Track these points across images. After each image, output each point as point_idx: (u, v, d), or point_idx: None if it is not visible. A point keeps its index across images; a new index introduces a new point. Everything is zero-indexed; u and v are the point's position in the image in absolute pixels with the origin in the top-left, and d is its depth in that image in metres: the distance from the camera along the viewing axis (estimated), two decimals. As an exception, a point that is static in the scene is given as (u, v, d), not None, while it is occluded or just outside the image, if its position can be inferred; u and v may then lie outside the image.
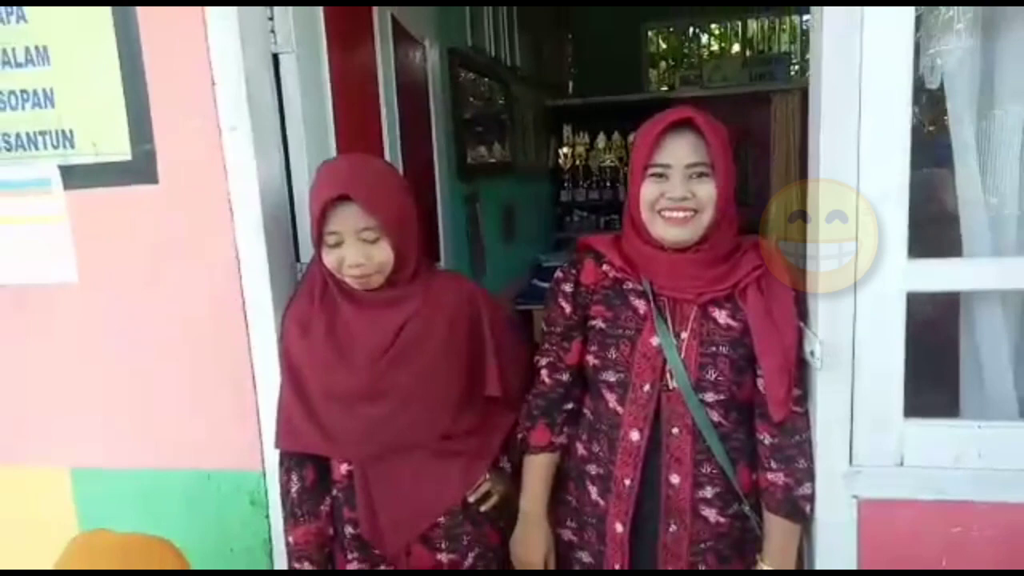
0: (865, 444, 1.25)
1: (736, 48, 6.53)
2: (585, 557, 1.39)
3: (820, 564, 1.27)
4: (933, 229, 1.38)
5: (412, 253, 1.37)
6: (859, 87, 1.18)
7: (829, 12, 1.18)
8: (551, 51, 5.25)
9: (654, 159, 1.26)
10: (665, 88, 6.10)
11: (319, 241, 1.31)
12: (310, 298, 1.40)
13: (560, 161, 5.31)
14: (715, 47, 6.80)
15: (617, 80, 5.41)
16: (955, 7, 1.25)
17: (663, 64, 6.70)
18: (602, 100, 5.02)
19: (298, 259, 1.58)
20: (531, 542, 1.40)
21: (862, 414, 1.24)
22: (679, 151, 1.24)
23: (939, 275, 1.22)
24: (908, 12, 1.16)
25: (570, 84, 5.83)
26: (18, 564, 1.61)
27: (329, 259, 1.32)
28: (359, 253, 1.30)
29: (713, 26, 6.62)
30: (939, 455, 1.23)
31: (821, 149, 1.22)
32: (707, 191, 1.24)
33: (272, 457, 1.47)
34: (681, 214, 1.25)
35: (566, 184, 5.24)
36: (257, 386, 1.50)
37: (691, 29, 6.66)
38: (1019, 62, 1.25)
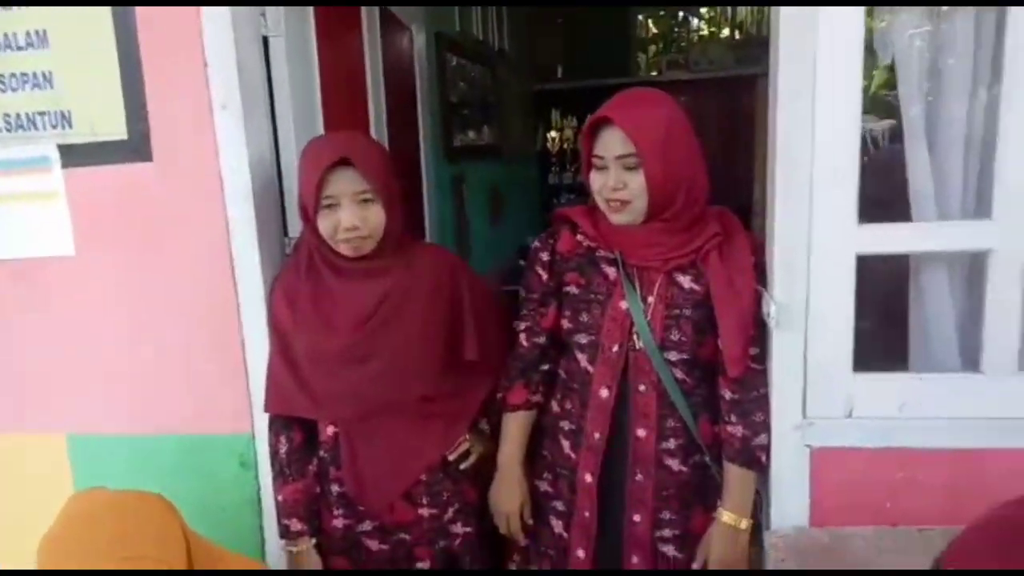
0: (817, 397, 1.33)
1: (725, 32, 6.57)
2: (559, 506, 1.48)
3: (775, 510, 1.36)
4: (886, 198, 1.46)
5: (398, 219, 1.44)
6: (814, 66, 1.25)
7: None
8: (540, 36, 5.30)
9: (594, 151, 1.35)
10: (655, 73, 6.15)
11: (315, 207, 1.37)
12: (297, 270, 1.47)
13: (548, 144, 5.37)
14: (704, 31, 6.84)
15: (606, 64, 5.45)
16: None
17: (652, 48, 6.74)
18: (590, 84, 5.07)
19: (286, 233, 1.66)
20: (507, 493, 1.48)
21: (815, 369, 1.33)
22: (610, 144, 1.32)
23: (885, 239, 1.31)
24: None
25: (559, 68, 5.88)
26: (17, 527, 1.67)
27: (324, 223, 1.38)
28: (355, 216, 1.36)
29: (703, 10, 6.66)
30: (885, 406, 1.32)
31: (778, 126, 1.29)
32: (638, 182, 1.31)
33: (260, 421, 1.56)
34: (617, 202, 1.33)
35: (554, 167, 5.31)
36: (246, 353, 1.58)
37: (681, 13, 6.70)
38: (966, 45, 1.32)
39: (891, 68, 1.42)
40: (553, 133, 5.41)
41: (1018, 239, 1.25)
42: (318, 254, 1.44)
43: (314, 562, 1.49)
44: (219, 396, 1.62)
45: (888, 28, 1.38)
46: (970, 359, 1.34)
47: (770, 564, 1.32)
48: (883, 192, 1.50)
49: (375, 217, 1.38)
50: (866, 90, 1.52)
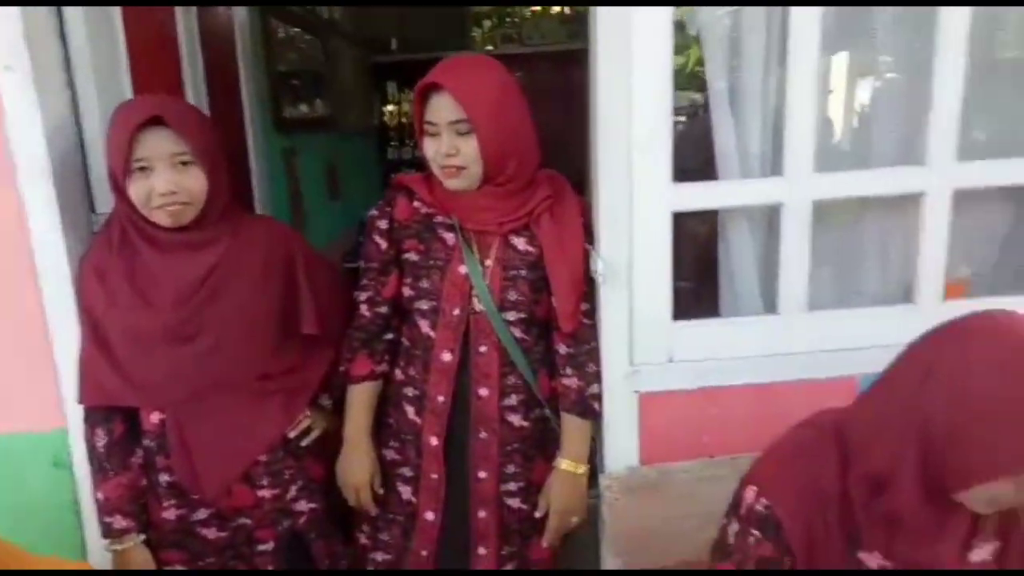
0: (642, 346, 1.44)
1: (556, 8, 6.72)
2: (407, 472, 1.49)
3: (608, 453, 1.46)
4: (703, 163, 1.59)
5: (223, 187, 1.36)
6: (629, 41, 1.33)
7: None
8: (373, 8, 5.16)
9: (425, 117, 1.35)
10: (490, 47, 6.20)
11: (124, 172, 1.26)
12: (108, 245, 1.36)
13: (386, 119, 5.27)
14: (537, 6, 6.96)
15: (441, 37, 5.42)
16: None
17: (487, 23, 6.78)
18: (426, 57, 5.00)
19: (93, 210, 1.52)
20: (356, 465, 1.47)
21: (639, 320, 1.43)
22: (441, 110, 1.32)
23: (696, 197, 1.42)
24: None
25: (392, 41, 5.77)
26: None
27: (136, 190, 1.27)
28: (170, 181, 1.26)
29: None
30: (699, 350, 1.45)
31: (599, 95, 1.36)
32: (471, 147, 1.32)
33: (74, 415, 1.43)
34: (451, 168, 1.34)
35: (393, 142, 5.22)
36: (52, 343, 1.44)
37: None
38: (761, 27, 1.45)
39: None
40: (391, 107, 5.31)
41: (804, 193, 1.41)
42: (132, 226, 1.33)
43: (143, 559, 1.39)
44: (24, 392, 1.47)
45: (696, 11, 1.49)
46: (769, 302, 1.50)
47: (605, 504, 1.42)
48: (700, 156, 1.63)
49: (194, 182, 1.29)
50: (683, 67, 1.62)
